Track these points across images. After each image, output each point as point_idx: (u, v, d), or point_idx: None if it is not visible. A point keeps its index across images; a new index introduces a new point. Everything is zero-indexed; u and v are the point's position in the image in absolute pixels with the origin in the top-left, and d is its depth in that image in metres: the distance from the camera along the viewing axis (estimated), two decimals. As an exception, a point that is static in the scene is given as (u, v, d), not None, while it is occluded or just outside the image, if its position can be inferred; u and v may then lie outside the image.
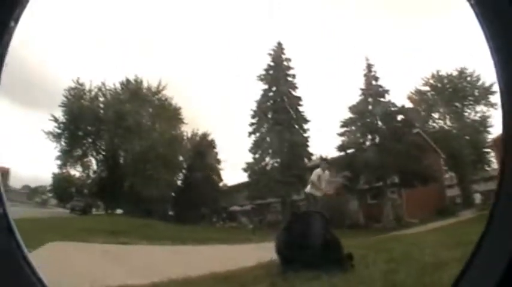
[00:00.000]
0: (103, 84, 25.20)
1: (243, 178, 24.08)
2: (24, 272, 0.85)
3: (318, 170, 8.52)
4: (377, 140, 20.35)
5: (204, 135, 27.06)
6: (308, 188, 8.33)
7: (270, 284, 2.64)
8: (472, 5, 0.82)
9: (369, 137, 20.68)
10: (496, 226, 0.80)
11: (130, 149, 24.80)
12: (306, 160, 22.63)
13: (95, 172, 26.11)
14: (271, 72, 23.86)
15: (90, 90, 24.99)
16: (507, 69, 0.80)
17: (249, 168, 23.07)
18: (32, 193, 31.81)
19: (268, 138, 22.97)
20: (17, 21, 1.04)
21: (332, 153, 20.26)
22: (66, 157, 24.70)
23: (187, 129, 27.16)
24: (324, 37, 26.38)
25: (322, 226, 3.90)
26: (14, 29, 1.03)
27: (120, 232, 7.34)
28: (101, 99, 25.62)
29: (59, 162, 24.57)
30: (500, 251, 0.76)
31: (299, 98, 23.41)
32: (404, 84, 25.12)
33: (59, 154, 24.39)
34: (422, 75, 24.59)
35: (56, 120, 23.93)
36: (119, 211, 24.85)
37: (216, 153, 26.43)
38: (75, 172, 25.92)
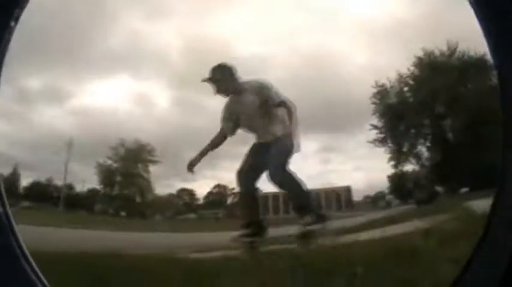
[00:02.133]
0: (400, 76, 24.55)
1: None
2: (24, 271, 0.85)
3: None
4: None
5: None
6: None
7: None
8: (471, 3, 0.81)
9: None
10: (496, 226, 0.80)
11: (456, 121, 24.25)
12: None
13: (427, 159, 25.52)
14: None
15: (391, 87, 24.59)
16: (507, 69, 0.79)
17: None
18: (373, 201, 33.14)
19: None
20: (16, 20, 1.04)
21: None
22: (397, 155, 24.57)
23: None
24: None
25: None
26: (14, 29, 1.03)
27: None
28: (406, 89, 25.01)
29: (392, 163, 24.49)
30: (500, 251, 0.76)
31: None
32: None
33: (389, 155, 24.41)
34: None
35: (375, 127, 23.99)
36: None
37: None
38: (410, 166, 25.48)
